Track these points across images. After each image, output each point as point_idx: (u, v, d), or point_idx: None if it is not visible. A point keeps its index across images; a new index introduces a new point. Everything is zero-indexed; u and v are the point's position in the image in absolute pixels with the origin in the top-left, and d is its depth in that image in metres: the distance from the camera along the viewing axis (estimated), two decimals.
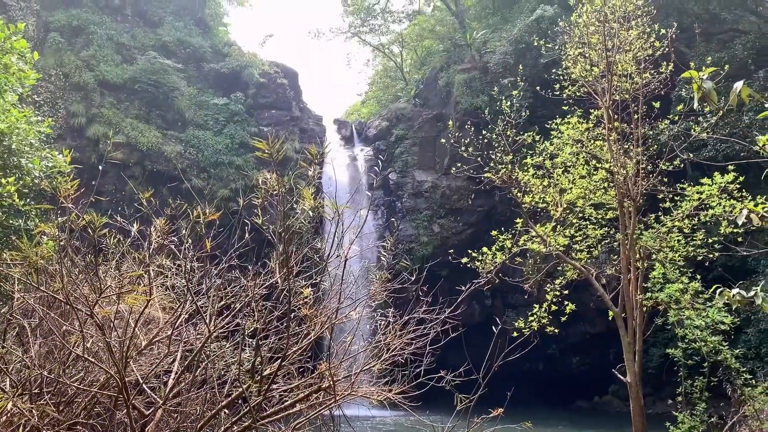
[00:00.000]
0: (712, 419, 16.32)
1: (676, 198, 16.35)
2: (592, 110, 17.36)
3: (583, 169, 17.08)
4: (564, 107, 17.94)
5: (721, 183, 15.15)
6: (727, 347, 16.03)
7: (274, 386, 7.08)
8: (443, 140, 27.78)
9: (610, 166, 15.97)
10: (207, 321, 6.91)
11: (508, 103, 16.98)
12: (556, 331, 16.49)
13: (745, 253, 15.47)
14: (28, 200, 11.22)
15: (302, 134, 36.56)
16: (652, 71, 16.01)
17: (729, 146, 23.76)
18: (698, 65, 11.79)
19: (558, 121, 17.67)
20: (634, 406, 14.95)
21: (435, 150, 35.28)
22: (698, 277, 16.20)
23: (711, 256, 15.98)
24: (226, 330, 7.94)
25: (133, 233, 7.02)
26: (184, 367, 7.12)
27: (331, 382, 6.62)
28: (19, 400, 5.90)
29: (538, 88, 20.64)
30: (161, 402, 6.56)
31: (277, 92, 36.12)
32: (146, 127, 31.06)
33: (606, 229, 17.71)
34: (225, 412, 6.88)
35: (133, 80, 31.87)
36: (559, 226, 17.18)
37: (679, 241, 16.14)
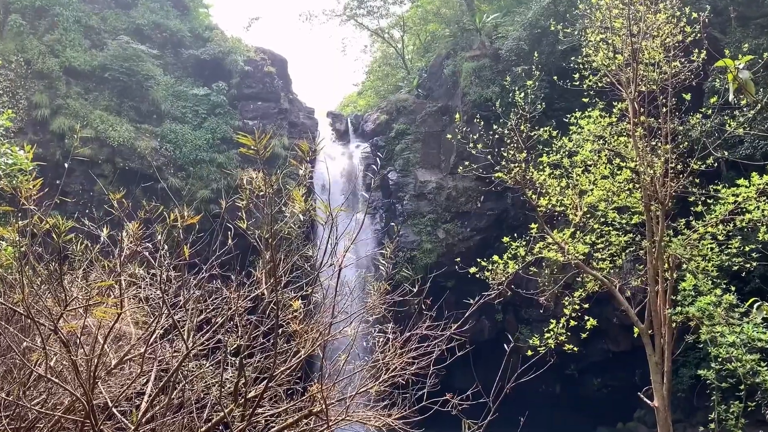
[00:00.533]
0: None
1: (709, 201, 16.37)
2: (615, 103, 17.38)
3: (605, 168, 17.09)
4: (584, 99, 17.96)
5: (760, 184, 15.17)
6: (765, 368, 16.03)
7: (260, 410, 7.07)
8: (449, 136, 27.82)
9: (636, 166, 15.99)
10: (185, 337, 6.91)
11: (522, 94, 17.00)
12: (575, 349, 16.48)
13: None
14: None
15: (292, 128, 36.55)
16: (683, 59, 16.04)
17: None
18: (734, 53, 11.84)
19: (577, 114, 17.68)
20: None
21: (440, 147, 35.28)
22: (733, 289, 16.19)
23: (748, 265, 15.99)
24: (206, 347, 7.93)
25: (102, 239, 7.02)
26: (159, 389, 7.11)
27: (324, 406, 6.61)
28: None
29: (555, 77, 20.67)
30: (133, 428, 6.54)
31: (263, 82, 36.15)
32: (117, 120, 31.06)
33: (631, 235, 17.72)
34: None
35: (102, 68, 31.87)
36: (578, 232, 17.20)
37: (712, 248, 16.15)
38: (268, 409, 7.44)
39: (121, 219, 7.03)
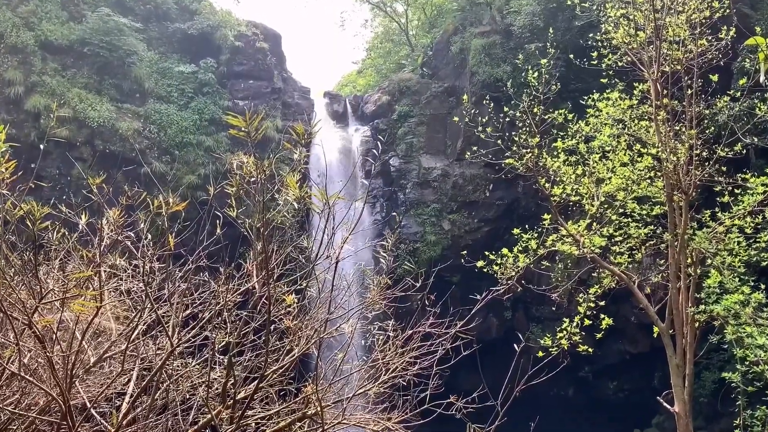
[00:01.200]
0: None
1: (736, 191, 16.35)
2: (636, 84, 17.33)
3: (624, 155, 17.07)
4: (603, 80, 17.91)
5: None
6: None
7: (250, 413, 7.10)
8: (456, 118, 27.76)
9: (658, 152, 15.97)
10: (169, 333, 6.92)
11: (535, 73, 16.94)
12: (590, 350, 16.52)
13: None
14: None
15: (286, 110, 36.47)
16: (710, 37, 15.98)
17: None
18: (765, 30, 11.79)
19: (595, 96, 17.64)
20: None
21: (446, 130, 35.21)
22: (762, 286, 16.21)
23: None
24: (192, 344, 7.95)
25: (80, 227, 7.02)
26: (141, 389, 7.14)
27: (319, 409, 6.63)
28: None
29: (571, 56, 20.60)
30: (113, 430, 6.57)
31: (255, 58, 36.05)
32: (97, 99, 31.00)
33: (651, 227, 17.72)
34: None
35: (81, 42, 31.77)
36: (595, 224, 17.20)
37: (739, 243, 16.15)
38: (259, 412, 7.47)
39: (101, 206, 7.03)
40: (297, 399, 7.41)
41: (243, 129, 6.02)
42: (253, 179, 6.35)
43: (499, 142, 17.18)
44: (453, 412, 7.41)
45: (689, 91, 15.92)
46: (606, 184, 17.03)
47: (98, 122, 30.17)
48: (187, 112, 33.05)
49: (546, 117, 16.67)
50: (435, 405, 7.49)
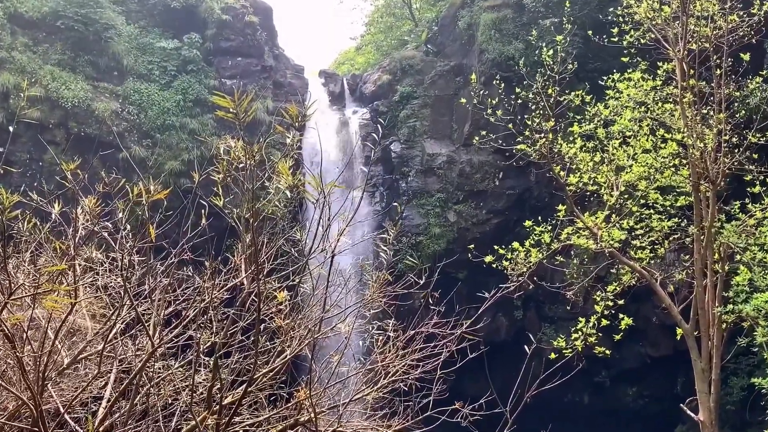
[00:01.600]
0: None
1: None
2: (660, 63, 17.30)
3: (647, 140, 17.05)
4: (624, 59, 17.87)
5: None
6: None
7: (238, 419, 7.12)
8: (463, 100, 27.64)
9: (683, 138, 15.95)
10: (150, 333, 6.93)
11: (550, 51, 16.90)
12: (607, 353, 16.55)
13: None
14: None
15: (277, 90, 36.39)
16: (741, 12, 15.93)
17: None
18: None
19: (615, 76, 17.60)
20: None
21: (452, 113, 35.15)
22: None
23: None
24: (175, 345, 7.96)
25: (53, 216, 7.02)
26: (120, 393, 7.15)
27: (312, 415, 6.65)
28: None
29: (590, 32, 20.56)
30: None
31: (244, 33, 35.94)
32: (71, 77, 30.93)
33: (676, 220, 17.73)
34: None
35: (54, 15, 31.67)
36: (614, 216, 17.20)
37: None
38: (247, 418, 7.49)
39: (75, 193, 7.02)
40: (289, 405, 7.42)
41: (231, 110, 6.01)
42: (241, 165, 6.34)
43: (510, 126, 17.15)
44: (458, 419, 7.43)
45: (718, 72, 15.89)
46: (626, 173, 17.02)
47: (72, 102, 30.10)
48: (169, 91, 32.97)
49: (561, 99, 16.63)
50: (439, 412, 7.51)
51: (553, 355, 13.74)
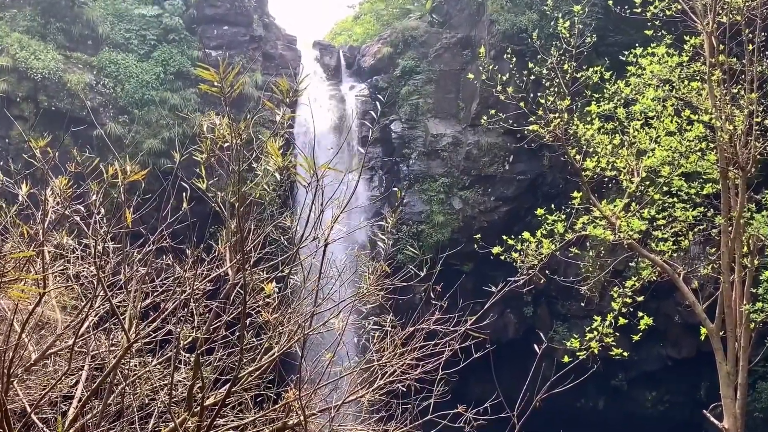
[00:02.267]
0: None
1: None
2: (687, 37, 17.25)
3: (671, 122, 17.04)
4: (647, 32, 17.82)
5: None
6: None
7: (221, 421, 7.14)
8: (471, 76, 27.67)
9: (711, 120, 15.93)
10: (125, 327, 6.95)
11: (567, 23, 16.86)
12: (625, 354, 16.57)
13: None
14: None
15: (267, 62, 36.32)
16: None
17: None
18: None
19: (638, 51, 17.57)
20: None
21: (458, 90, 35.10)
22: None
23: None
24: (152, 340, 7.98)
25: (20, 198, 7.03)
26: (92, 392, 7.18)
27: (302, 418, 6.68)
28: None
29: (610, 2, 20.51)
30: None
31: (231, 0, 35.86)
32: (41, 46, 30.85)
33: (701, 209, 17.73)
34: None
35: None
36: (634, 204, 17.21)
37: None
38: (231, 420, 7.52)
39: (45, 173, 7.02)
40: (276, 406, 7.46)
41: (215, 84, 6.00)
42: (227, 145, 6.34)
43: (521, 104, 17.11)
44: (461, 424, 7.46)
45: (750, 47, 15.85)
46: (648, 157, 17.01)
47: (42, 74, 30.03)
48: (148, 63, 32.90)
49: (578, 75, 16.60)
50: (440, 416, 7.54)
51: (565, 357, 13.77)
